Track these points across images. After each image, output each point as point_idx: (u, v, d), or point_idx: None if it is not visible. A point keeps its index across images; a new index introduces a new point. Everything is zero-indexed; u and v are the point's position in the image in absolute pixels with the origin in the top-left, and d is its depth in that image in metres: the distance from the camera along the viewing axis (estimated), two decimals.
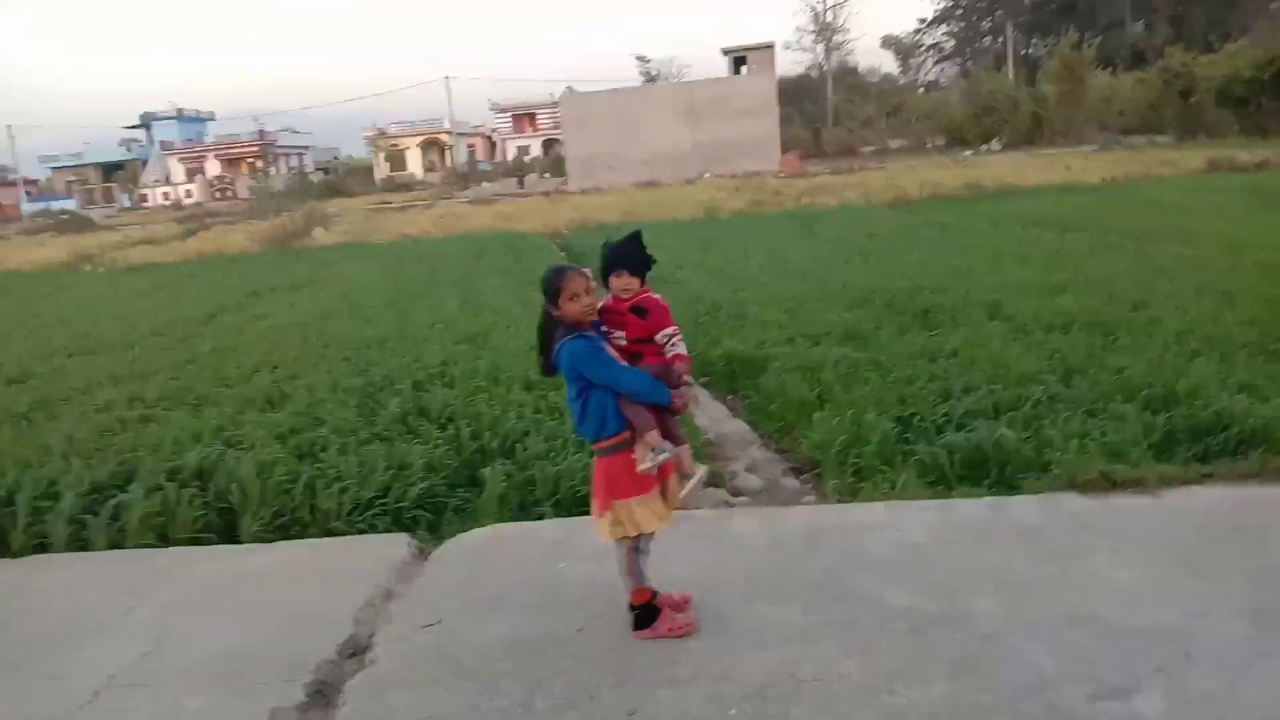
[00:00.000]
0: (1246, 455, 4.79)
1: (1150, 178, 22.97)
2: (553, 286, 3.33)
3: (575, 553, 4.31)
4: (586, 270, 3.40)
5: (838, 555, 4.11)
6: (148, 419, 6.90)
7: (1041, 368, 6.37)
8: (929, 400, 5.93)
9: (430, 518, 5.07)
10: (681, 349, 3.45)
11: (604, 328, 3.44)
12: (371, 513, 5.07)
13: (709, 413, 6.71)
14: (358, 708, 3.26)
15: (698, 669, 3.32)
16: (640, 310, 3.43)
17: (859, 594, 3.77)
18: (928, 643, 3.37)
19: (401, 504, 5.11)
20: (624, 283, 3.42)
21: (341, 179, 67.37)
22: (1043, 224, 14.82)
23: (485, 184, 55.48)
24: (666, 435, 3.41)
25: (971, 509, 4.51)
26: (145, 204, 67.60)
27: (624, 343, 3.43)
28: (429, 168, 79.46)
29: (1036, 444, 5.11)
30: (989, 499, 4.64)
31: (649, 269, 3.47)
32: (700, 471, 3.58)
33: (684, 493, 3.52)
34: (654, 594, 3.58)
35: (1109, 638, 3.29)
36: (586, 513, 4.86)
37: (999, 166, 30.68)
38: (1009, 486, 4.82)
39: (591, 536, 4.41)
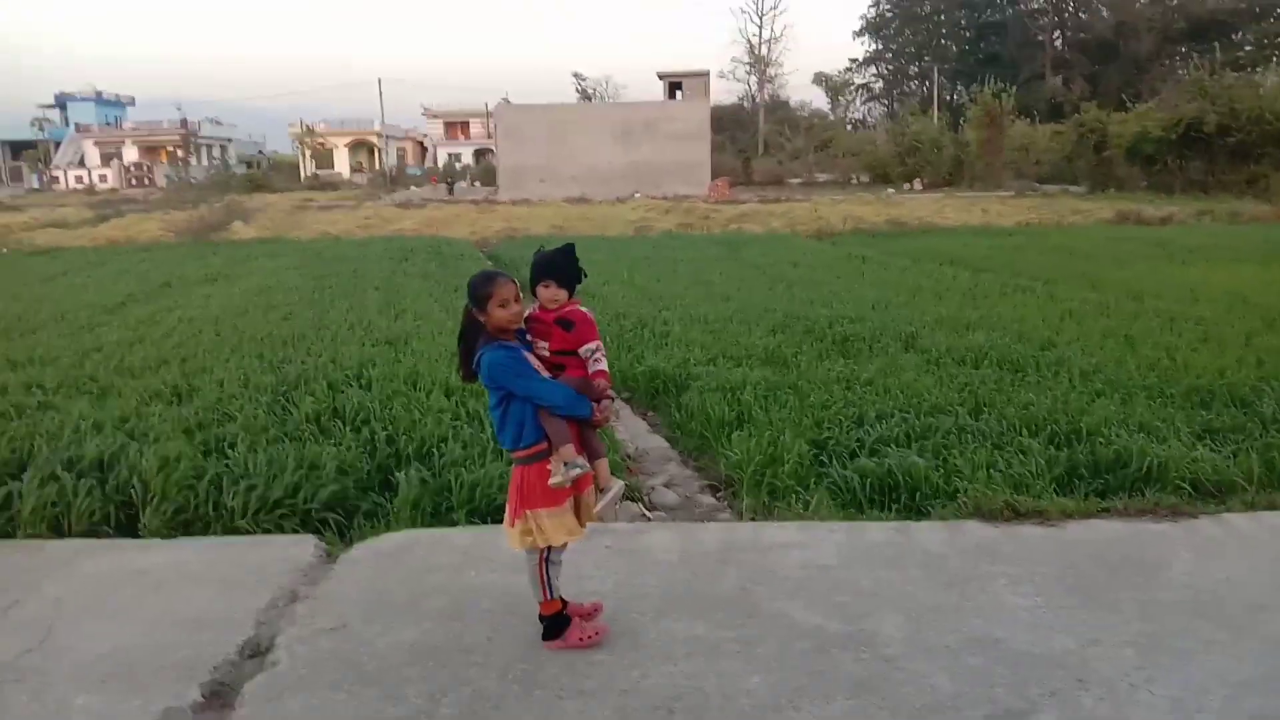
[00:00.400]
0: (1143, 492, 5.00)
1: (1062, 225, 23.86)
2: (482, 291, 3.28)
3: (488, 561, 4.27)
4: (514, 279, 3.39)
5: (749, 573, 4.16)
6: (46, 406, 6.62)
7: (952, 399, 6.55)
8: (844, 425, 6.05)
9: (340, 521, 4.97)
10: (603, 365, 3.43)
11: (529, 337, 3.43)
12: (279, 513, 4.94)
13: (629, 428, 6.73)
14: (256, 710, 3.17)
15: (606, 681, 3.32)
16: (566, 323, 3.40)
17: (767, 612, 3.81)
18: (832, 662, 3.43)
19: (310, 505, 5.00)
20: (552, 293, 3.40)
21: (265, 174, 65.85)
22: (959, 263, 15.26)
23: (414, 188, 54.79)
24: (585, 448, 3.40)
25: (880, 532, 4.60)
26: (56, 186, 64.91)
27: (547, 353, 3.42)
28: (356, 168, 78.23)
29: (945, 472, 5.25)
30: (897, 523, 4.75)
31: (579, 282, 3.47)
32: (617, 486, 3.56)
33: (599, 506, 3.50)
34: (564, 604, 3.57)
35: (1007, 662, 3.39)
36: (501, 521, 4.85)
37: (920, 205, 31.51)
38: (917, 512, 4.95)
39: (504, 545, 4.39)
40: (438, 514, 4.99)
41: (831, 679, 3.31)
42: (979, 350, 8.08)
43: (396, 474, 5.32)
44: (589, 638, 3.52)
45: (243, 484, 5.06)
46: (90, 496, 4.95)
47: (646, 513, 5.16)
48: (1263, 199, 29.61)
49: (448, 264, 16.23)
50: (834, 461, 5.53)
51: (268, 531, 4.83)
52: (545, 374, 3.36)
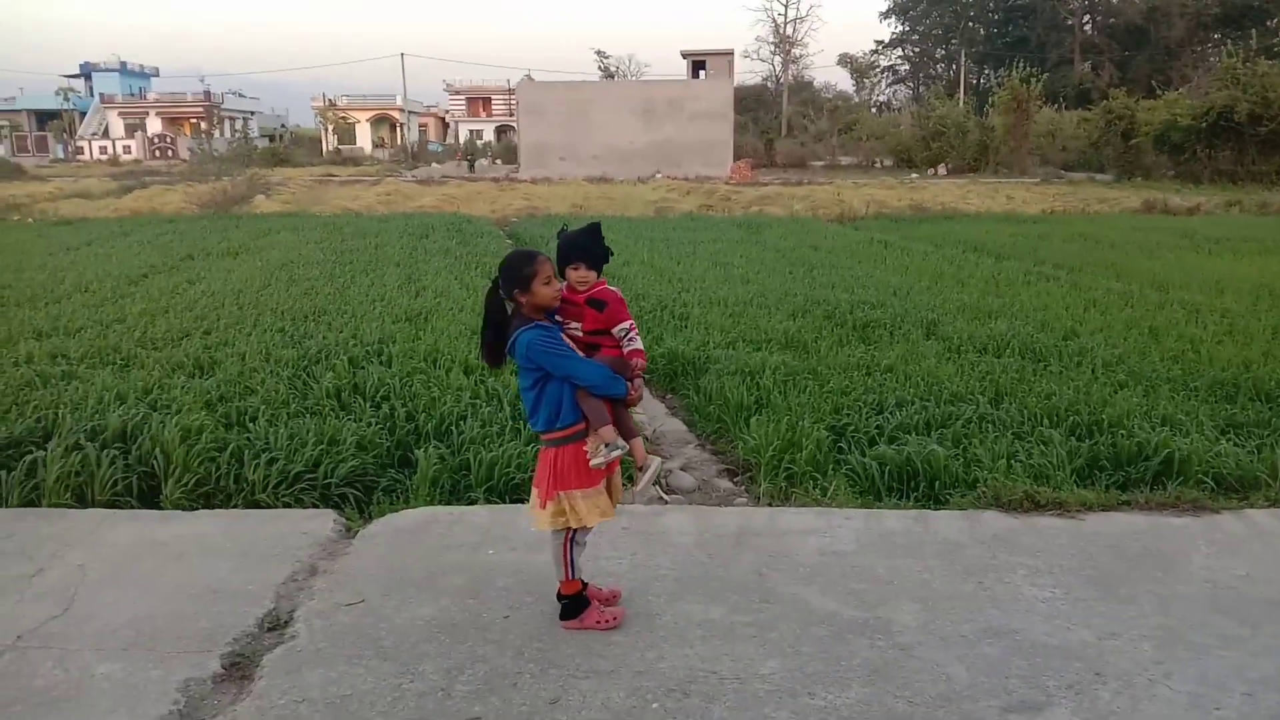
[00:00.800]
0: (1164, 485, 4.96)
1: (1088, 213, 23.59)
2: (527, 270, 3.27)
3: (506, 540, 4.30)
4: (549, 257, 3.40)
5: (765, 558, 4.16)
6: (70, 376, 6.68)
7: (973, 388, 6.51)
8: (863, 412, 6.03)
9: (359, 496, 5.00)
10: (638, 344, 3.46)
11: (558, 317, 3.43)
12: (299, 487, 4.99)
13: (648, 410, 6.73)
14: (275, 683, 3.20)
15: (621, 662, 3.33)
16: (598, 303, 3.42)
17: (783, 597, 3.81)
18: (847, 649, 3.43)
19: (330, 480, 5.03)
20: (581, 275, 3.40)
21: (287, 147, 65.98)
22: (982, 250, 15.14)
23: (435, 165, 54.82)
24: (620, 428, 3.41)
25: (898, 520, 4.59)
26: (81, 156, 65.22)
27: (580, 334, 3.43)
28: (378, 143, 78.25)
29: (964, 461, 5.23)
30: (915, 511, 4.74)
31: (606, 262, 3.47)
32: (655, 463, 3.56)
33: (639, 486, 3.53)
34: (584, 585, 3.59)
35: (1023, 653, 3.38)
36: (519, 500, 4.87)
37: (944, 191, 31.24)
38: (936, 501, 4.93)
39: (523, 524, 4.41)
40: (456, 492, 5.02)
41: (846, 665, 3.32)
42: (1001, 338, 8.02)
43: (416, 451, 5.35)
44: (606, 621, 3.54)
45: (263, 457, 5.10)
46: (113, 467, 5.01)
47: (664, 495, 5.17)
48: None
49: (468, 241, 16.24)
50: (852, 448, 5.52)
51: (288, 505, 4.87)
52: (580, 354, 3.38)
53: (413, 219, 20.87)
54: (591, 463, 3.33)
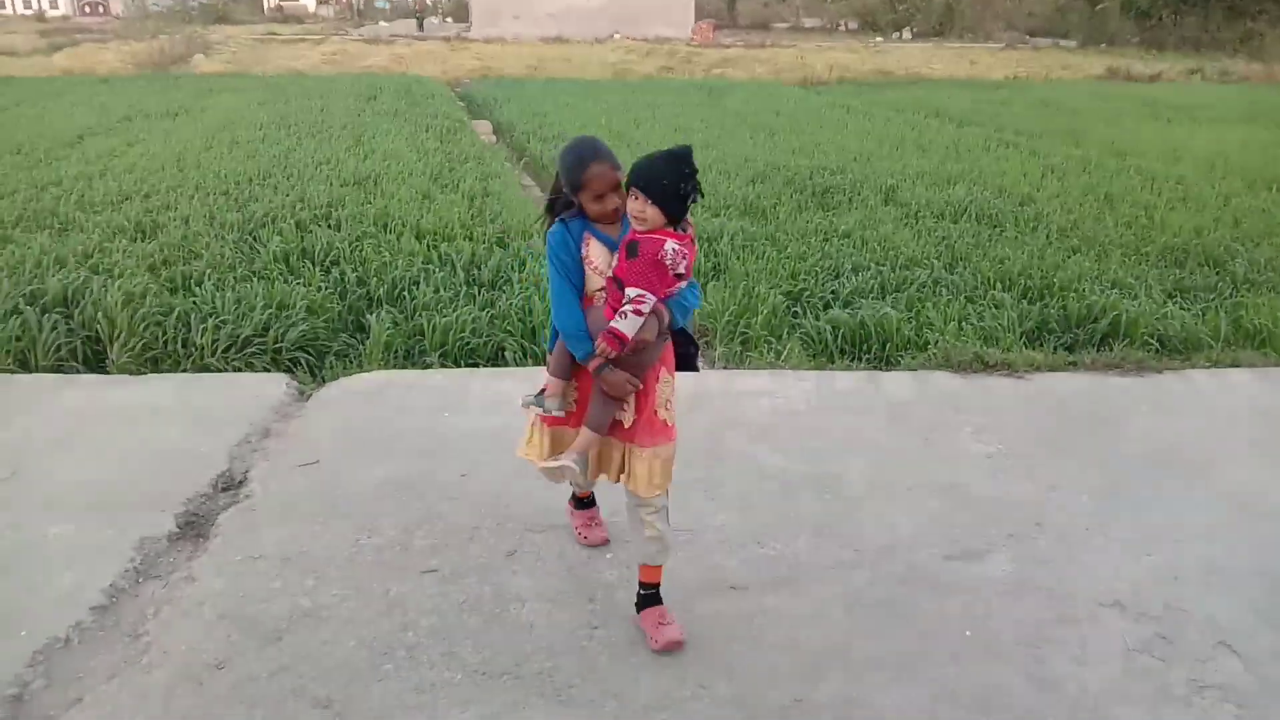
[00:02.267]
0: (1110, 347, 5.06)
1: (1051, 79, 23.37)
2: (575, 176, 2.54)
3: (461, 404, 4.29)
4: (614, 163, 2.57)
5: (719, 418, 4.21)
6: (5, 240, 6.45)
7: (929, 253, 6.53)
8: (820, 277, 6.04)
9: (311, 361, 4.95)
10: (625, 325, 2.54)
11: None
12: (249, 351, 4.92)
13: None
14: (230, 540, 3.21)
15: None
16: (634, 247, 2.55)
17: (736, 454, 3.88)
18: (797, 502, 3.51)
19: (280, 345, 4.97)
20: (638, 207, 2.51)
21: (227, 5, 62.64)
22: (944, 116, 14.99)
23: (382, 23, 52.49)
24: (581, 408, 2.78)
25: (849, 381, 4.65)
26: (2, 11, 61.57)
27: (609, 274, 2.64)
28: (323, 1, 74.55)
29: (917, 324, 5.29)
30: (866, 372, 4.80)
31: (683, 201, 2.52)
32: (568, 460, 2.71)
33: (540, 464, 2.82)
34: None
35: (967, 506, 3.49)
36: (475, 364, 4.86)
37: (908, 55, 30.66)
38: (888, 363, 5.00)
39: (477, 389, 4.43)
40: (410, 357, 4.99)
41: (795, 518, 3.40)
42: (958, 204, 8.02)
43: (368, 316, 5.28)
44: (658, 637, 2.80)
45: (211, 321, 5.01)
46: (55, 331, 4.89)
47: None
48: (1256, 58, 29.03)
49: (418, 103, 15.69)
50: (807, 313, 5.54)
51: (238, 370, 4.81)
52: (599, 281, 2.63)
53: (360, 80, 20.08)
54: (519, 400, 2.86)
